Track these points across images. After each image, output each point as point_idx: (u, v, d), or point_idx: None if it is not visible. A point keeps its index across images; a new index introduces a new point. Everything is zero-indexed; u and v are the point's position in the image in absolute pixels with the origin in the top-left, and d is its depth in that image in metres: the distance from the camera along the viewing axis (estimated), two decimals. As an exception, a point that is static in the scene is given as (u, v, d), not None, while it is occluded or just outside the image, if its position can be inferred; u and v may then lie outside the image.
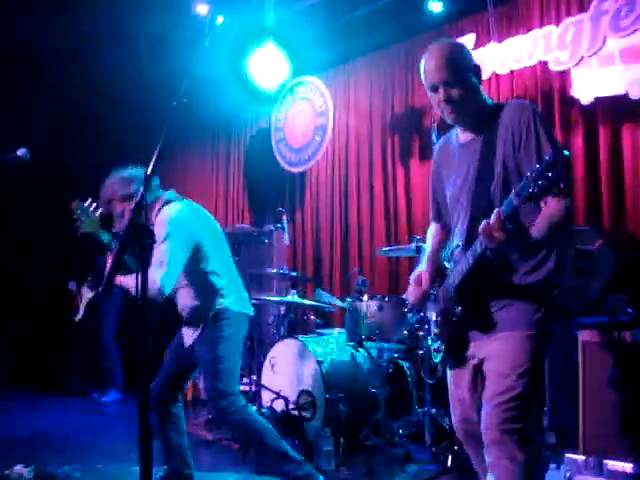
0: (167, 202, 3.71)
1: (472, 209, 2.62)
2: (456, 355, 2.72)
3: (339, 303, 5.77)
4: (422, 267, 2.95)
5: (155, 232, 3.08)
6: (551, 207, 2.37)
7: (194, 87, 2.26)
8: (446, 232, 2.97)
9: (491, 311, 2.56)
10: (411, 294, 2.95)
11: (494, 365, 2.53)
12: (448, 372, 2.84)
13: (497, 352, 2.52)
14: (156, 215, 3.62)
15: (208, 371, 3.74)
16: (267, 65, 6.79)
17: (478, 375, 2.65)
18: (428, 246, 3.07)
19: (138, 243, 2.05)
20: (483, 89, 2.72)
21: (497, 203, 2.41)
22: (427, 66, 2.67)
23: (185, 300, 3.76)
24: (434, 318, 2.82)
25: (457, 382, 2.77)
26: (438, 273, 2.82)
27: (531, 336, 2.49)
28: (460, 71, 2.63)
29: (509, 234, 2.25)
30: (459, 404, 2.77)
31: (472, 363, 2.66)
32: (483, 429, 2.51)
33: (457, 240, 2.70)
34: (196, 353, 3.76)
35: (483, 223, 2.28)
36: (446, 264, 2.76)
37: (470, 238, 2.55)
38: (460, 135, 2.79)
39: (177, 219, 3.59)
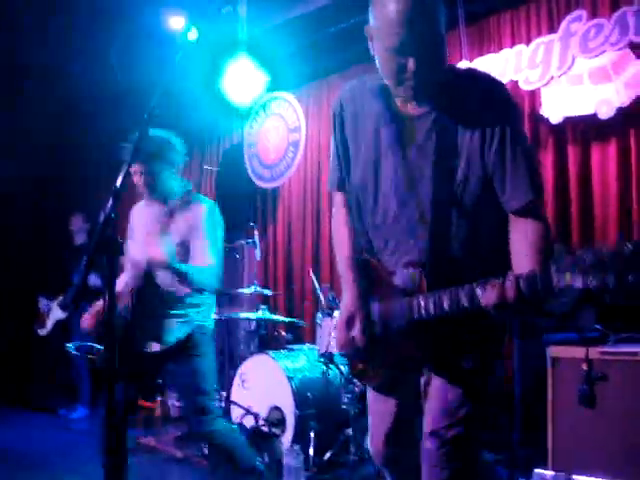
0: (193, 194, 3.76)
1: (433, 217, 2.10)
2: (394, 380, 2.37)
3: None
4: (348, 296, 2.32)
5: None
6: (534, 242, 2.00)
7: (166, 101, 2.25)
8: (349, 211, 2.45)
9: (444, 341, 2.15)
10: (340, 342, 2.35)
11: (442, 391, 2.18)
12: (371, 390, 2.52)
13: (445, 377, 2.17)
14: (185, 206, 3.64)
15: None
16: (240, 80, 6.80)
17: (414, 395, 2.29)
18: (345, 244, 2.45)
19: (107, 256, 2.02)
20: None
21: (464, 211, 2.07)
22: (393, 12, 1.94)
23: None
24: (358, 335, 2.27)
25: (385, 398, 2.44)
26: (371, 283, 2.31)
27: (486, 360, 2.21)
28: (439, 30, 1.99)
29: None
30: (386, 420, 2.42)
31: (413, 381, 2.29)
32: (428, 464, 2.17)
33: (388, 234, 2.22)
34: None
35: (495, 289, 1.83)
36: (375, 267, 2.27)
37: (436, 261, 2.11)
38: (397, 99, 2.20)
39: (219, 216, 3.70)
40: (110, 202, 1.98)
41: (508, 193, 2.06)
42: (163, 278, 3.52)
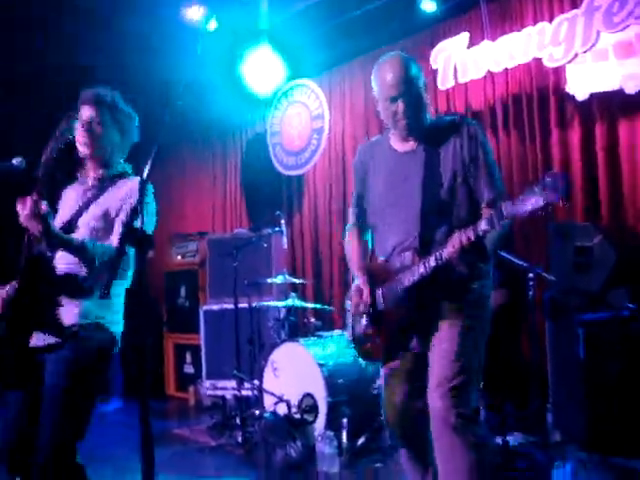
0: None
1: (422, 214, 2.86)
2: (395, 350, 2.97)
3: None
4: (359, 277, 3.13)
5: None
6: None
7: (189, 93, 2.24)
8: (362, 233, 3.27)
9: (437, 306, 2.83)
10: (355, 305, 3.14)
11: (440, 352, 2.77)
12: (383, 368, 3.09)
13: (442, 340, 2.79)
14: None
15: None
16: (262, 69, 6.79)
17: (417, 364, 2.87)
18: (355, 251, 3.25)
19: (136, 249, 2.01)
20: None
21: (446, 209, 2.82)
22: (387, 77, 2.89)
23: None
24: (364, 320, 3.08)
25: (393, 372, 3.00)
26: (375, 276, 3.05)
27: (473, 325, 2.80)
28: (418, 87, 2.91)
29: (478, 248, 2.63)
30: (398, 392, 2.96)
31: (412, 353, 2.92)
32: (437, 413, 2.70)
33: (396, 240, 2.94)
34: None
35: (461, 238, 2.56)
36: (384, 262, 3.01)
37: (425, 242, 2.83)
38: (395, 143, 3.04)
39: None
40: (137, 195, 1.99)
41: (483, 188, 2.85)
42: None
